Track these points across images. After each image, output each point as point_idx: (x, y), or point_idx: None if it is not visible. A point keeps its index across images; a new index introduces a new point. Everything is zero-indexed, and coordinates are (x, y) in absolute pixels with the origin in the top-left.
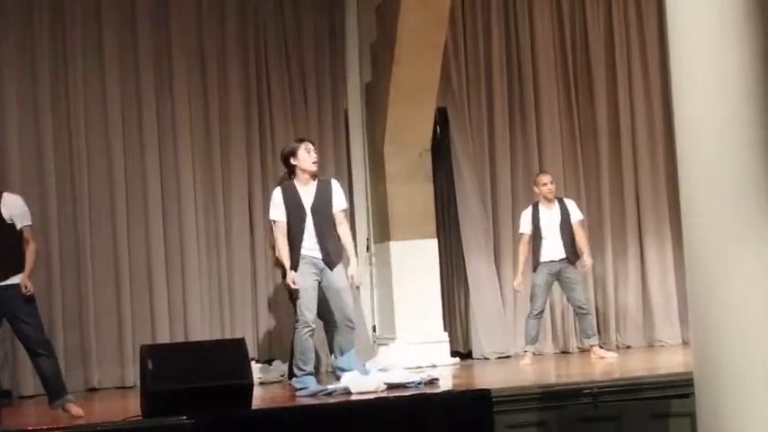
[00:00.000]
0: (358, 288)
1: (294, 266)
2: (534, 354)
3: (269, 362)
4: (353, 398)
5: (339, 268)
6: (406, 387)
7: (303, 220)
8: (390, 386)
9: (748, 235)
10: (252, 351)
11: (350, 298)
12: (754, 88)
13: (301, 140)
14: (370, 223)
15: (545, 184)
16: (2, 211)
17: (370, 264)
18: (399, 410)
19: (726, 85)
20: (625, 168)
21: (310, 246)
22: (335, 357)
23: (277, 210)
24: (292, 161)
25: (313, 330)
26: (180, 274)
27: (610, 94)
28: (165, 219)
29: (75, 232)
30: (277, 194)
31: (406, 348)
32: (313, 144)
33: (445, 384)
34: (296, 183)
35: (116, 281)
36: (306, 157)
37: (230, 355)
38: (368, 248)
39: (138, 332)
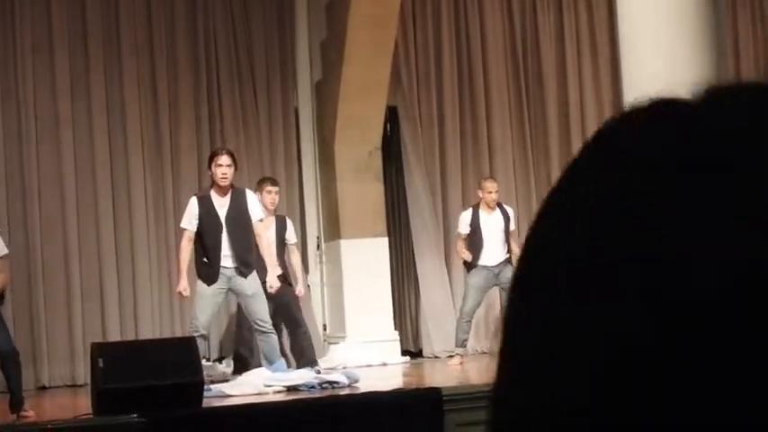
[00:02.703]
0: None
1: None
2: (462, 356)
3: (219, 360)
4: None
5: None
6: (299, 390)
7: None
8: (288, 388)
9: None
10: (202, 349)
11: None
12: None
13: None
14: (321, 221)
15: (490, 192)
16: None
17: (321, 262)
18: (350, 409)
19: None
20: None
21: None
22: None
23: None
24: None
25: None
26: (130, 271)
27: (560, 95)
28: (116, 217)
29: (24, 231)
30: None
31: (356, 347)
32: (230, 155)
33: (392, 384)
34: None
35: (66, 279)
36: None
37: (181, 353)
38: (318, 247)
39: (89, 330)
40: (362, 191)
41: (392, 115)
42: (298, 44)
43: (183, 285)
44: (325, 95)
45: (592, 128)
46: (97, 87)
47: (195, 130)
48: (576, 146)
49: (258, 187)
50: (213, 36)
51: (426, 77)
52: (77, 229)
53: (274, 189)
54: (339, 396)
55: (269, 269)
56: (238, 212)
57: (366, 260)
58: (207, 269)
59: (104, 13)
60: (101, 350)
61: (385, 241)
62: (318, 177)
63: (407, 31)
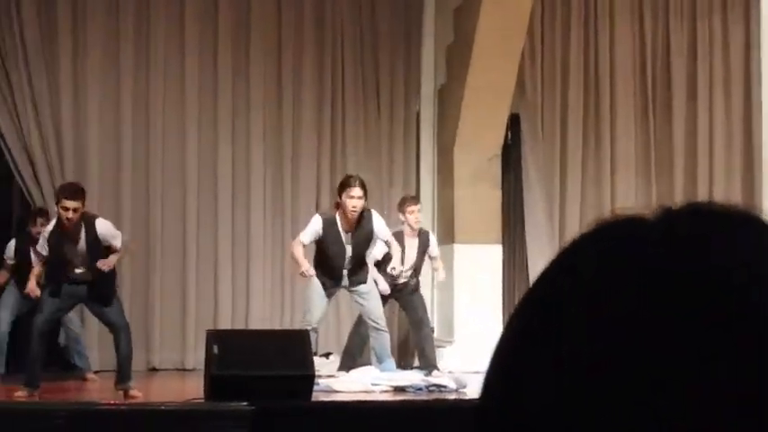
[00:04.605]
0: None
1: None
2: None
3: (326, 355)
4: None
5: None
6: (406, 391)
7: None
8: (395, 388)
9: None
10: (312, 343)
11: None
12: None
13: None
14: (435, 225)
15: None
16: (98, 235)
17: None
18: (456, 413)
19: None
20: (700, 186)
21: None
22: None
23: None
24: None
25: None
26: (245, 263)
27: (689, 110)
28: (234, 209)
29: (146, 220)
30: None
31: (463, 352)
32: (362, 186)
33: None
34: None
35: (182, 268)
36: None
37: (294, 346)
38: None
39: (201, 318)
40: (479, 197)
41: (514, 122)
42: (423, 48)
43: (306, 266)
44: (448, 100)
45: (719, 149)
46: (224, 88)
47: (317, 132)
48: (703, 164)
49: (400, 208)
50: (340, 38)
51: (551, 86)
52: (197, 220)
53: (417, 207)
54: (446, 400)
55: (378, 280)
56: (363, 239)
57: (479, 266)
58: (326, 276)
59: (235, 15)
60: (216, 337)
61: (499, 248)
62: (436, 181)
63: (534, 39)
